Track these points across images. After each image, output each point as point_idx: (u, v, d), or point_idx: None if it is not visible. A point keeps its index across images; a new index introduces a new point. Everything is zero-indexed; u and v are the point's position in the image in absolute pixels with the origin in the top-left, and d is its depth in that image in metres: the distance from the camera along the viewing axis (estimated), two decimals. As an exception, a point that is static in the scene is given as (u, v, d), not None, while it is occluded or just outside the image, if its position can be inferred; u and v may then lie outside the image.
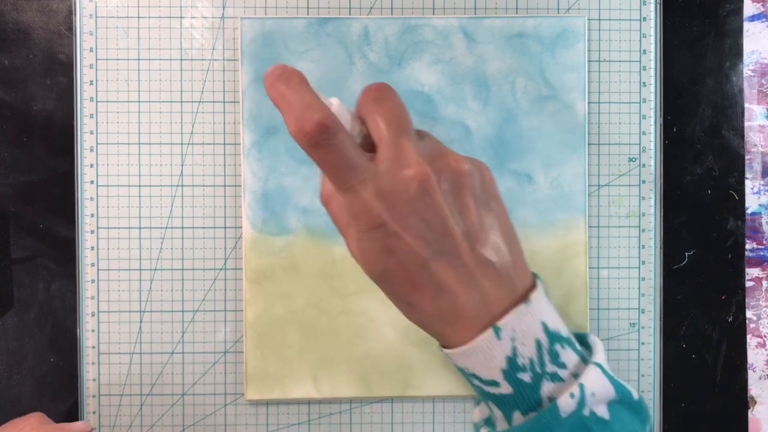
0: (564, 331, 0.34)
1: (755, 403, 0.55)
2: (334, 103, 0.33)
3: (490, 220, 0.34)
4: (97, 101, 0.52)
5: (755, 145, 0.55)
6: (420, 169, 0.31)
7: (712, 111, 0.54)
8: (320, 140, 0.31)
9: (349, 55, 0.51)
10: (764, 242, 0.55)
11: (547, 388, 0.33)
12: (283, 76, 0.32)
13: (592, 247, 0.53)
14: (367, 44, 0.51)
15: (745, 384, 0.54)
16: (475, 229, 0.33)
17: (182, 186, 0.52)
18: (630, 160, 0.53)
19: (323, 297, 0.52)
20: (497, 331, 0.32)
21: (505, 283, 0.33)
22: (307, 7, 0.52)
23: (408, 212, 0.31)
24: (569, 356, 0.34)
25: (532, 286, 0.34)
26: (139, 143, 0.52)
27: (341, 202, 0.33)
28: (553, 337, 0.33)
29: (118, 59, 0.52)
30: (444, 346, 0.34)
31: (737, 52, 0.54)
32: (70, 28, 0.52)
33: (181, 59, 0.52)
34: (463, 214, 0.33)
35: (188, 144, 0.52)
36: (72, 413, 0.52)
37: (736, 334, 0.54)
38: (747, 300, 0.55)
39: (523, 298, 0.33)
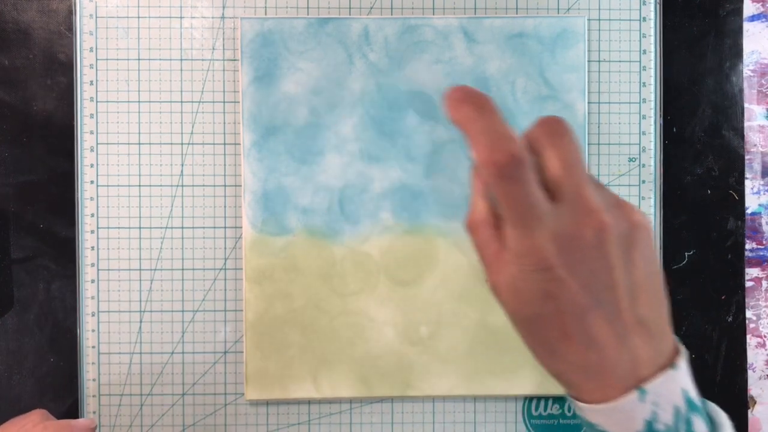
0: (698, 400, 0.33)
1: (755, 403, 0.55)
2: None
3: (651, 278, 0.33)
4: (97, 101, 0.52)
5: (755, 145, 0.55)
6: (600, 218, 0.31)
7: (712, 111, 0.54)
8: (511, 173, 0.30)
9: (349, 55, 0.51)
10: (764, 242, 0.55)
11: None
12: (472, 100, 0.31)
13: (592, 247, 0.53)
14: (367, 44, 0.52)
15: (745, 384, 0.54)
16: (637, 286, 0.32)
17: (182, 186, 0.52)
18: (630, 160, 0.53)
19: (323, 297, 0.52)
20: (642, 393, 0.31)
21: (655, 345, 0.32)
22: (307, 7, 0.52)
23: (579, 259, 0.31)
24: (700, 427, 0.33)
25: (676, 351, 0.33)
26: (139, 143, 0.52)
27: (495, 234, 0.32)
28: (692, 405, 0.32)
29: (118, 59, 0.52)
30: (576, 398, 0.33)
31: (737, 52, 0.54)
32: (70, 28, 0.52)
33: (181, 59, 0.52)
34: (629, 269, 0.32)
35: (188, 144, 0.52)
36: (72, 413, 0.52)
37: (736, 334, 0.54)
38: (747, 300, 0.55)
39: (669, 362, 0.32)
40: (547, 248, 0.30)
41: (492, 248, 0.32)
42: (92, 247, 0.52)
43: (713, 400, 0.55)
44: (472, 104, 0.31)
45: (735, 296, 0.54)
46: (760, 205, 0.55)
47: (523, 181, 0.30)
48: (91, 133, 0.52)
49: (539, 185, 0.31)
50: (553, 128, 0.32)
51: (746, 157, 0.55)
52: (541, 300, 0.31)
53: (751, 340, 0.55)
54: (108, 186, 0.52)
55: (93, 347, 0.52)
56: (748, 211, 0.55)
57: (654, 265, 0.33)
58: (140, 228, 0.52)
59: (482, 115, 0.31)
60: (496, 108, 0.31)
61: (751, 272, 0.55)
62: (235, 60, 0.52)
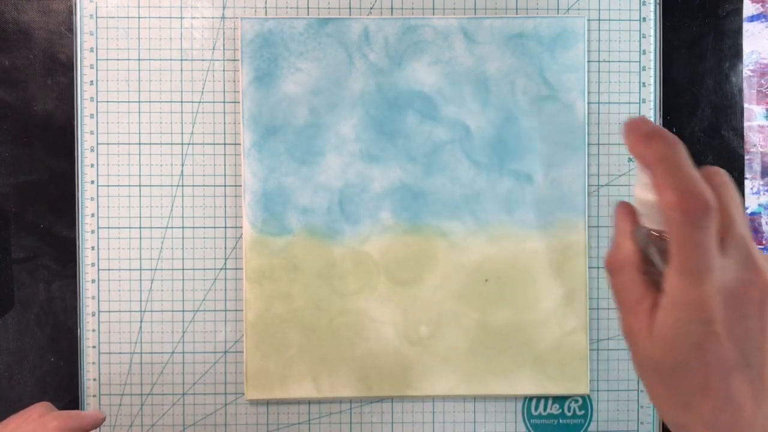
0: None
1: (754, 402, 0.55)
2: None
3: None
4: (97, 101, 0.52)
5: (754, 145, 0.55)
6: (765, 278, 0.30)
7: (712, 111, 0.54)
8: (700, 221, 0.29)
9: (349, 55, 0.51)
10: (764, 242, 0.55)
11: None
12: (663, 136, 0.30)
13: (591, 247, 0.53)
14: (367, 44, 0.52)
15: (745, 384, 0.54)
16: None
17: (182, 186, 0.52)
18: (629, 160, 0.53)
19: (323, 297, 0.52)
20: None
21: None
22: (307, 8, 0.53)
23: (738, 316, 0.30)
24: None
25: None
26: (140, 143, 0.52)
27: (640, 279, 0.31)
28: None
29: (118, 59, 0.52)
30: None
31: (737, 53, 0.54)
32: (70, 29, 0.52)
33: (181, 59, 0.52)
34: None
35: (188, 144, 0.52)
36: (72, 413, 0.52)
37: (736, 333, 0.54)
38: (746, 300, 0.55)
39: None
40: (712, 300, 0.30)
41: (635, 292, 0.32)
42: (93, 247, 0.52)
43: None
44: (663, 141, 0.30)
45: (734, 296, 0.54)
46: (759, 205, 0.55)
47: (709, 230, 0.29)
48: (92, 133, 0.52)
49: (717, 236, 0.30)
50: (721, 179, 0.32)
51: (746, 158, 0.55)
52: (690, 351, 0.30)
53: (750, 340, 0.55)
54: (108, 186, 0.52)
55: (93, 347, 0.52)
56: (748, 211, 0.55)
57: None
58: (140, 228, 0.52)
59: (675, 154, 0.30)
60: (686, 151, 0.30)
61: (751, 272, 0.55)
62: (235, 60, 0.52)
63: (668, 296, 0.30)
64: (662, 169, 0.30)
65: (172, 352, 0.53)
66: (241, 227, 0.52)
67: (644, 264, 0.32)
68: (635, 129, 0.31)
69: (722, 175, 0.32)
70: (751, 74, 0.55)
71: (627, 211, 0.34)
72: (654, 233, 0.32)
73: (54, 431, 0.41)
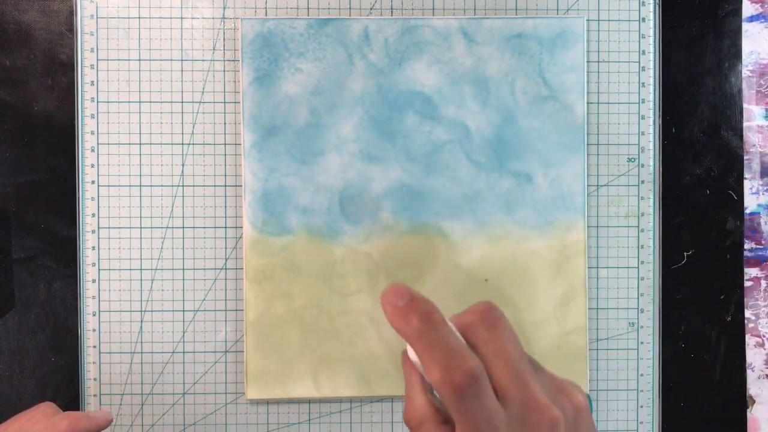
0: None
1: (754, 402, 0.55)
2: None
3: None
4: (98, 101, 0.52)
5: (754, 146, 0.55)
6: (550, 414, 0.30)
7: (711, 111, 0.54)
8: (469, 393, 0.29)
9: (349, 55, 0.52)
10: (763, 242, 0.55)
11: None
12: (419, 309, 0.30)
13: (591, 247, 0.53)
14: (367, 45, 0.52)
15: (744, 383, 0.55)
16: None
17: (183, 186, 0.52)
18: (629, 160, 0.53)
19: (323, 297, 0.52)
20: None
21: None
22: (308, 8, 0.53)
23: None
24: None
25: None
26: (140, 143, 0.52)
27: (441, 430, 0.31)
28: None
29: (119, 60, 0.52)
30: None
31: (736, 53, 0.55)
32: (71, 29, 0.52)
33: (181, 60, 0.52)
34: None
35: (189, 144, 0.52)
36: (73, 412, 0.53)
37: (735, 333, 0.55)
38: (746, 300, 0.55)
39: None
40: None
41: None
42: (93, 247, 0.52)
43: (712, 400, 0.55)
44: (419, 315, 0.30)
45: (734, 296, 0.55)
46: (758, 205, 0.55)
47: (481, 396, 0.29)
48: (92, 133, 0.52)
49: (493, 392, 0.30)
50: (488, 318, 0.31)
51: (745, 158, 0.55)
52: None
53: (749, 340, 0.55)
54: (109, 186, 0.52)
55: (94, 347, 0.52)
56: (747, 211, 0.55)
57: None
58: (141, 228, 0.52)
59: (432, 329, 0.29)
60: (443, 318, 0.30)
61: (750, 272, 0.55)
62: (235, 60, 0.52)
63: None
64: (422, 346, 0.29)
65: (173, 352, 0.53)
66: (242, 227, 0.52)
67: (442, 414, 0.31)
68: (389, 302, 0.30)
69: (487, 312, 0.31)
70: (751, 74, 0.55)
71: (411, 364, 0.33)
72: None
73: (64, 431, 0.41)
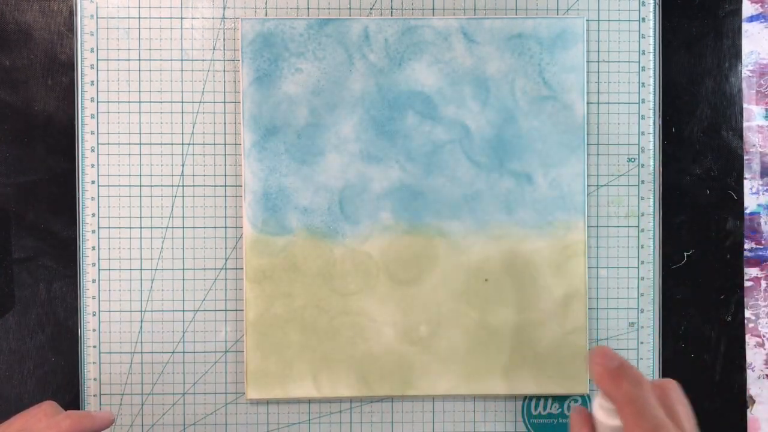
0: None
1: (754, 402, 0.55)
2: None
3: None
4: (98, 101, 0.52)
5: (754, 146, 0.55)
6: None
7: (711, 111, 0.54)
8: None
9: (349, 55, 0.52)
10: (763, 242, 0.55)
11: None
12: (632, 377, 0.31)
13: (591, 247, 0.53)
14: (367, 45, 0.52)
15: (744, 383, 0.55)
16: None
17: (183, 186, 0.52)
18: (629, 160, 0.53)
19: (323, 297, 0.52)
20: None
21: None
22: (308, 8, 0.53)
23: None
24: None
25: None
26: (140, 143, 0.52)
27: None
28: None
29: (119, 60, 0.52)
30: None
31: (736, 53, 0.55)
32: (71, 29, 0.52)
33: (181, 59, 0.52)
34: None
35: (189, 144, 0.52)
36: (73, 412, 0.52)
37: (735, 333, 0.55)
38: (746, 300, 0.55)
39: None
40: None
41: None
42: (93, 247, 0.52)
43: (712, 400, 0.55)
44: (631, 380, 0.31)
45: (734, 296, 0.55)
46: (758, 205, 0.55)
47: None
48: (92, 133, 0.52)
49: None
50: (675, 395, 0.33)
51: (745, 158, 0.55)
52: None
53: (750, 340, 0.55)
54: (109, 186, 0.52)
55: (94, 347, 0.52)
56: (747, 211, 0.55)
57: None
58: (141, 228, 0.52)
59: (642, 396, 0.31)
60: (651, 386, 0.32)
61: (750, 272, 0.55)
62: (235, 60, 0.52)
63: None
64: (631, 411, 0.31)
65: (173, 352, 0.53)
66: (242, 227, 0.52)
67: None
68: (601, 364, 0.32)
69: (675, 390, 0.34)
70: (751, 74, 0.55)
71: (584, 419, 0.35)
72: None
73: (67, 430, 0.41)
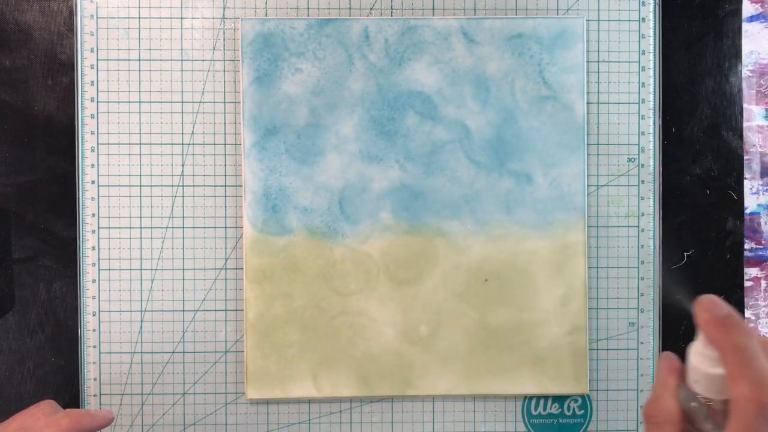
0: None
1: (754, 402, 0.55)
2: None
3: None
4: (98, 101, 0.52)
5: (754, 146, 0.55)
6: None
7: (711, 111, 0.54)
8: None
9: (349, 55, 0.52)
10: (763, 242, 0.55)
11: None
12: (741, 326, 0.31)
13: (591, 247, 0.53)
14: (367, 45, 0.52)
15: (744, 383, 0.55)
16: None
17: (183, 186, 0.52)
18: (629, 160, 0.53)
19: (323, 297, 0.52)
20: None
21: None
22: (308, 8, 0.53)
23: None
24: None
25: None
26: (140, 143, 0.52)
27: None
28: None
29: (119, 60, 0.52)
30: None
31: (736, 53, 0.55)
32: (71, 29, 0.52)
33: (181, 59, 0.52)
34: None
35: (189, 144, 0.52)
36: (73, 412, 0.52)
37: (735, 333, 0.55)
38: (746, 300, 0.55)
39: None
40: None
41: None
42: (93, 247, 0.52)
43: (712, 400, 0.55)
44: (740, 329, 0.31)
45: (734, 296, 0.55)
46: (758, 205, 0.55)
47: None
48: (92, 133, 0.52)
49: None
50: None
51: (745, 158, 0.55)
52: None
53: (749, 340, 0.55)
54: (109, 186, 0.52)
55: (94, 347, 0.52)
56: (747, 211, 0.55)
57: None
58: (141, 228, 0.52)
59: (750, 346, 0.31)
60: (755, 332, 0.31)
61: (750, 272, 0.55)
62: (235, 60, 0.52)
63: None
64: (738, 360, 0.30)
65: (173, 352, 0.53)
66: (242, 227, 0.52)
67: (684, 422, 0.33)
68: (709, 311, 0.31)
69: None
70: (751, 74, 0.55)
71: (673, 366, 0.34)
72: (704, 399, 0.33)
73: (67, 428, 0.41)
